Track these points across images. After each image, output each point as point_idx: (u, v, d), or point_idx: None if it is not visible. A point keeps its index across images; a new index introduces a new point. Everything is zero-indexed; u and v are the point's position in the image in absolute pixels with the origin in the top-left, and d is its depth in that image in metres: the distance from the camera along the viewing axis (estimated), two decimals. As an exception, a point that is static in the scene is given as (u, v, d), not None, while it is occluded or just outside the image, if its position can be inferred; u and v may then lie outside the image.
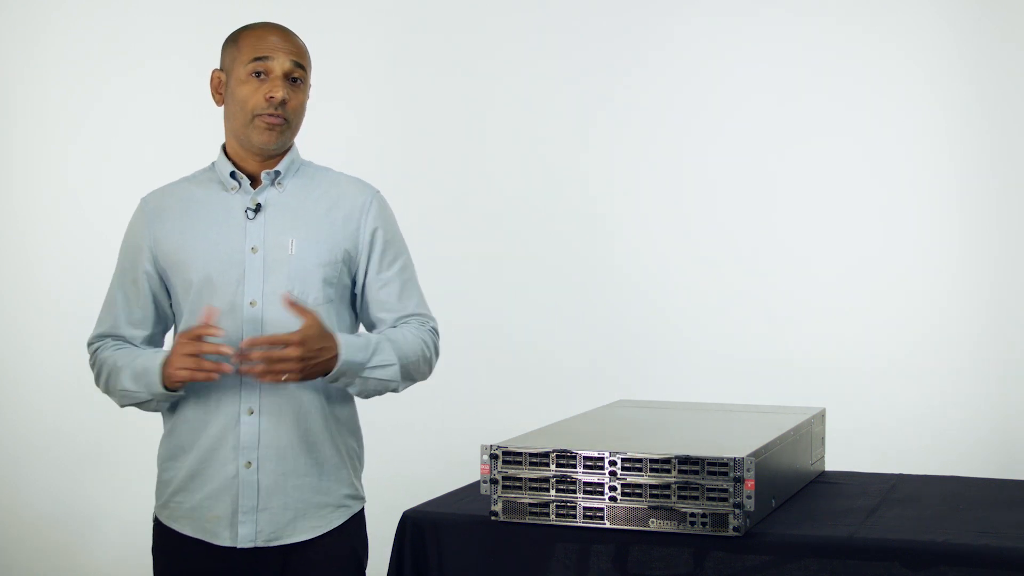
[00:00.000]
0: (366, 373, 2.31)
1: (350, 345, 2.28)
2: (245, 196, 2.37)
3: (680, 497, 2.11)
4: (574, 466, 2.17)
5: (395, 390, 2.39)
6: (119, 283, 2.43)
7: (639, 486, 2.13)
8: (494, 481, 2.22)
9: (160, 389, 2.28)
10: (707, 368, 3.94)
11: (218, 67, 2.40)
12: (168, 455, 2.39)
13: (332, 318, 2.36)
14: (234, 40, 2.39)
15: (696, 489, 2.11)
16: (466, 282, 4.08)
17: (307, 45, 2.41)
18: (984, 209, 3.81)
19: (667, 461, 2.12)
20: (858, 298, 3.89)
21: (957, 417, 3.79)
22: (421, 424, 3.98)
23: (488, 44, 4.18)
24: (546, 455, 2.19)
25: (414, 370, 2.40)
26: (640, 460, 2.14)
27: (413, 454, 4.02)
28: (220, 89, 2.39)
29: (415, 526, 2.29)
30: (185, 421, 2.35)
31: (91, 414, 3.90)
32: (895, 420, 3.82)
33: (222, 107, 2.40)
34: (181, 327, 2.37)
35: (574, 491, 2.17)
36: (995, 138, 3.80)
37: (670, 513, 2.12)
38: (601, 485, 2.16)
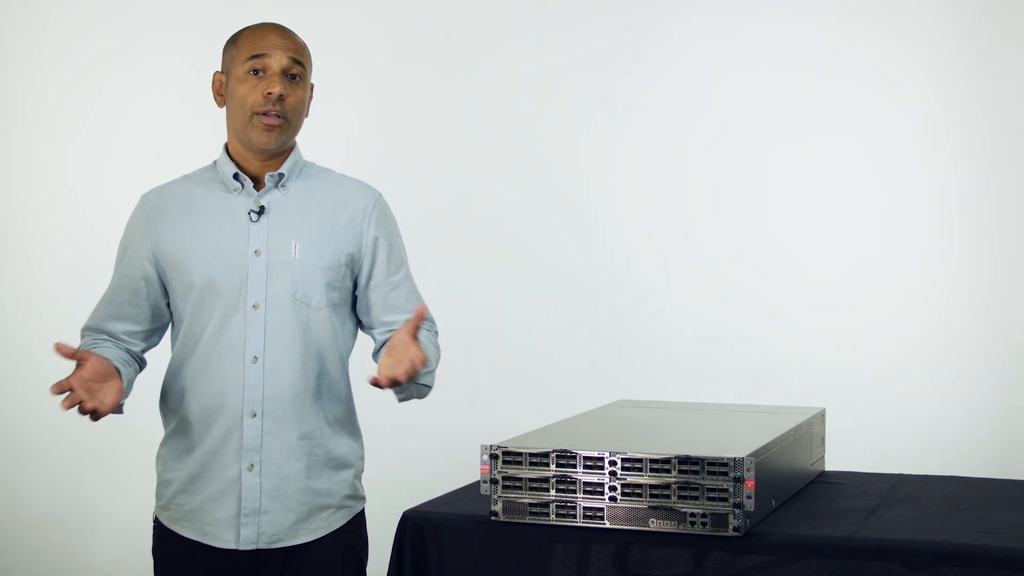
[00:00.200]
0: (423, 380, 2.34)
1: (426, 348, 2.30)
2: (248, 198, 2.37)
3: (680, 497, 2.11)
4: (574, 466, 2.17)
5: (422, 396, 2.41)
6: (114, 278, 2.42)
7: (639, 486, 2.13)
8: (494, 481, 2.22)
9: None
10: (707, 368, 3.94)
11: (219, 69, 2.41)
12: (169, 456, 2.39)
13: (335, 322, 2.37)
14: (233, 41, 2.39)
15: (696, 489, 2.11)
16: (466, 282, 4.08)
17: (307, 45, 2.41)
18: (984, 209, 3.81)
19: (667, 461, 2.12)
20: (858, 298, 3.89)
21: (957, 417, 3.79)
22: (421, 424, 3.97)
23: (488, 44, 4.18)
24: (546, 455, 2.19)
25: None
26: (640, 460, 2.14)
27: (413, 454, 4.02)
28: (221, 91, 2.39)
29: (415, 526, 2.29)
30: (187, 422, 2.35)
31: (91, 414, 3.89)
32: (895, 420, 3.82)
33: (223, 109, 2.40)
34: (183, 329, 2.36)
35: (574, 491, 2.17)
36: (995, 138, 3.80)
37: (670, 513, 2.12)
38: (601, 485, 2.16)
